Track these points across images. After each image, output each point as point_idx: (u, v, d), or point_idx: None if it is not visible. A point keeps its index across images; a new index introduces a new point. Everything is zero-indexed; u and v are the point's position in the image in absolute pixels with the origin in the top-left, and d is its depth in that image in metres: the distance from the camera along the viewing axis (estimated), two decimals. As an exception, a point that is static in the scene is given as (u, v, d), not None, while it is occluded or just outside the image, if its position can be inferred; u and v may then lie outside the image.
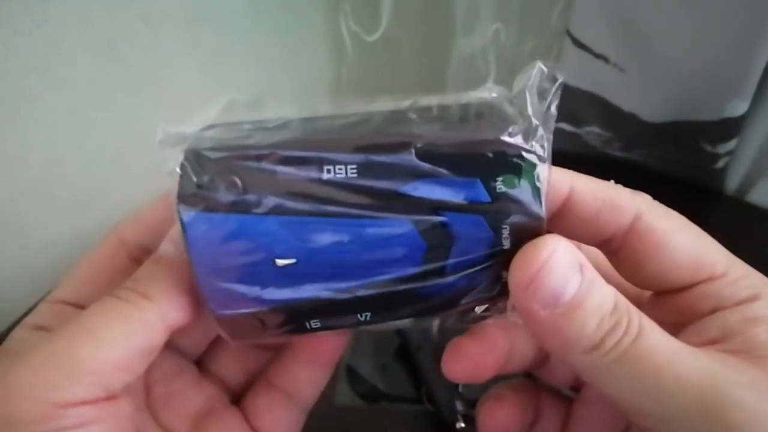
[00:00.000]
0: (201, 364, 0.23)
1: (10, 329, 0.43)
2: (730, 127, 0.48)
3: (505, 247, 0.17)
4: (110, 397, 0.17)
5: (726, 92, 0.46)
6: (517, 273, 0.17)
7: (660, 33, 0.47)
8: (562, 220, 0.19)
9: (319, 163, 0.17)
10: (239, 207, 0.17)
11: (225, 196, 0.17)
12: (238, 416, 0.22)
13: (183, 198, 0.17)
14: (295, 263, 0.17)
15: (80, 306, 0.19)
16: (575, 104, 0.54)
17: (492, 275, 0.18)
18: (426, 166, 0.17)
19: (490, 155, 0.17)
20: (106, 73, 0.46)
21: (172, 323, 0.18)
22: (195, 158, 0.17)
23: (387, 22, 0.55)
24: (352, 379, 0.38)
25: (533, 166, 0.17)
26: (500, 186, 0.17)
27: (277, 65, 0.59)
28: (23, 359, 0.16)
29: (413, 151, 0.17)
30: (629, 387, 0.16)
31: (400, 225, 0.17)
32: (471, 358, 0.21)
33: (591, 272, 0.17)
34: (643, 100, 0.51)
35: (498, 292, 0.19)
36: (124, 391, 0.17)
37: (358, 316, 0.18)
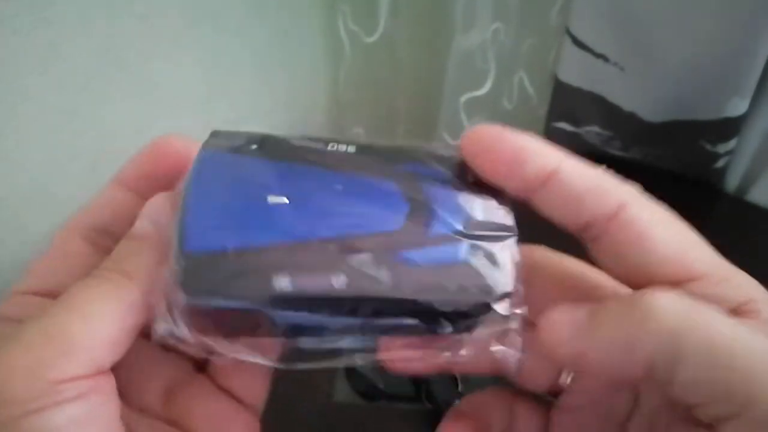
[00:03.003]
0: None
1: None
2: (730, 127, 0.48)
3: (478, 219, 0.19)
4: (101, 372, 0.17)
5: (726, 91, 0.46)
6: (543, 336, 0.18)
7: (660, 32, 0.47)
8: (546, 197, 0.19)
9: (326, 142, 0.20)
10: (251, 152, 0.19)
11: (242, 146, 0.19)
12: (206, 381, 0.22)
13: (205, 144, 0.20)
14: (287, 203, 0.18)
15: (44, 294, 0.19)
16: (575, 103, 0.54)
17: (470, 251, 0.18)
18: (412, 154, 0.20)
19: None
20: (105, 73, 0.46)
21: (153, 301, 0.18)
22: (220, 132, 0.20)
23: (386, 23, 0.55)
24: (351, 377, 0.38)
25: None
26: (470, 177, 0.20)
27: (275, 66, 0.59)
28: (15, 340, 0.16)
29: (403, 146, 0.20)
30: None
31: (389, 186, 0.19)
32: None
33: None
34: (643, 99, 0.51)
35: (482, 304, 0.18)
36: (110, 367, 0.17)
37: (332, 279, 0.17)
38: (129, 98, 0.49)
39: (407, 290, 0.18)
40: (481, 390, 0.23)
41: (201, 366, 0.23)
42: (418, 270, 0.18)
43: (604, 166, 0.19)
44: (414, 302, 0.18)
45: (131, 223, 0.20)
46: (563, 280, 0.21)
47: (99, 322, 0.17)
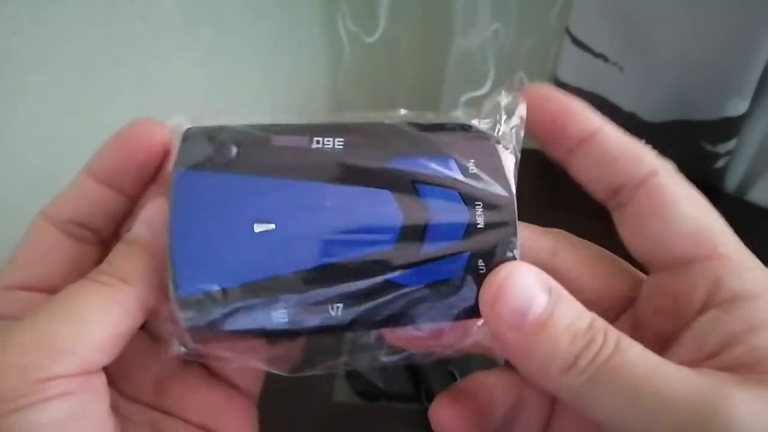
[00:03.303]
0: (148, 329, 0.22)
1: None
2: (730, 127, 0.48)
3: (479, 225, 0.18)
4: (89, 372, 0.17)
5: (726, 91, 0.46)
6: (484, 293, 0.17)
7: (660, 32, 0.47)
8: (583, 156, 0.19)
9: (311, 135, 0.18)
10: (230, 165, 0.17)
11: (220, 155, 0.18)
12: (199, 369, 0.22)
13: (177, 160, 0.18)
14: (274, 229, 0.17)
15: (30, 289, 0.19)
16: (575, 103, 0.54)
17: (467, 267, 0.18)
18: (405, 144, 0.18)
19: (464, 138, 0.19)
20: (105, 73, 0.46)
21: (150, 306, 0.18)
22: (195, 130, 0.18)
23: (385, 23, 0.55)
24: (351, 377, 0.38)
25: (498, 150, 0.19)
26: (472, 167, 0.18)
27: (275, 65, 0.59)
28: (6, 340, 0.16)
29: (383, 131, 0.18)
30: (608, 405, 0.16)
31: (380, 195, 0.18)
32: (452, 420, 0.20)
33: (560, 292, 0.17)
34: (643, 99, 0.51)
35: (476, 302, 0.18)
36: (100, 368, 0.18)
37: (329, 308, 0.17)
38: (129, 97, 0.49)
39: (399, 314, 0.18)
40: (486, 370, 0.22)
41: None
42: (411, 292, 0.18)
43: (643, 140, 0.19)
44: (407, 322, 0.18)
45: (111, 219, 0.20)
46: (582, 262, 0.21)
47: (92, 327, 0.17)
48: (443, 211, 0.18)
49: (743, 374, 0.15)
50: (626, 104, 0.52)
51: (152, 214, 0.19)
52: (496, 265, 0.18)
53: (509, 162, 0.19)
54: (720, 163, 0.51)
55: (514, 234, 0.18)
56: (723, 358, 0.16)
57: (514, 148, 0.19)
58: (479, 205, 0.18)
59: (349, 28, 0.56)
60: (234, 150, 0.18)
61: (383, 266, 0.17)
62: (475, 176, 0.18)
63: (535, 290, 0.16)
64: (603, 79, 0.51)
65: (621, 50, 0.49)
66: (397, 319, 0.18)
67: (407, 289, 0.18)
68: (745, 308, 0.17)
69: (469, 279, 0.18)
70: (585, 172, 0.20)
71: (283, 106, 0.60)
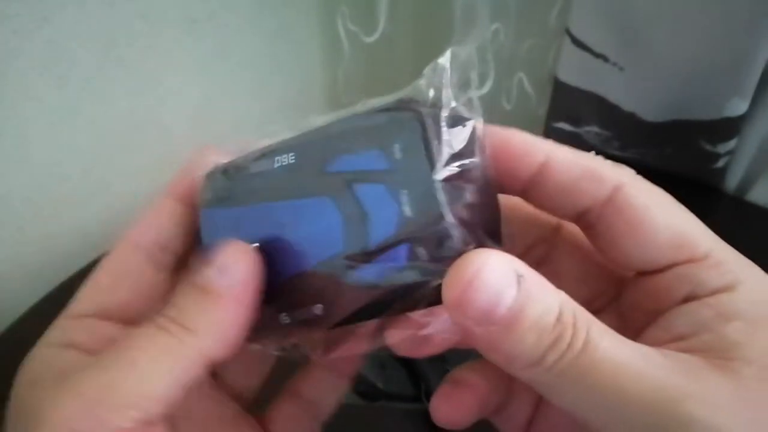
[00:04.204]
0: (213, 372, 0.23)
1: (10, 327, 0.43)
2: (730, 127, 0.48)
3: (407, 215, 0.17)
4: (151, 423, 0.17)
5: (726, 91, 0.46)
6: (447, 291, 0.16)
7: (660, 32, 0.47)
8: (539, 189, 0.18)
9: (274, 154, 0.19)
10: (227, 201, 0.20)
11: (221, 192, 0.20)
12: (255, 425, 0.22)
13: (200, 201, 0.20)
14: (258, 248, 0.19)
15: (105, 317, 0.19)
16: (574, 103, 0.54)
17: (411, 257, 0.17)
18: (342, 143, 0.18)
19: (392, 120, 0.18)
20: (104, 73, 0.46)
21: (215, 358, 0.17)
22: (214, 168, 0.20)
23: (385, 23, 0.55)
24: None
25: (422, 126, 0.17)
26: (398, 152, 0.17)
27: (275, 65, 0.59)
28: (70, 391, 0.16)
29: (332, 129, 0.19)
30: (575, 402, 0.16)
31: (322, 204, 0.18)
32: (454, 406, 0.20)
33: (531, 281, 0.16)
34: (643, 99, 0.51)
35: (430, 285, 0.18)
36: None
37: (313, 308, 0.19)
38: (129, 97, 0.49)
39: (366, 310, 0.18)
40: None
41: (250, 406, 0.23)
42: (364, 288, 0.18)
43: (593, 153, 0.18)
44: (375, 316, 0.19)
45: (188, 239, 0.21)
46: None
47: (154, 379, 0.16)
48: (377, 207, 0.17)
49: (708, 358, 0.15)
50: (626, 104, 0.52)
51: (229, 259, 0.18)
52: (438, 249, 0.17)
53: (445, 131, 0.17)
54: (720, 163, 0.51)
55: (441, 217, 0.16)
56: (690, 342, 0.16)
57: (463, 108, 0.18)
58: (405, 192, 0.17)
59: (348, 27, 0.56)
60: (228, 184, 0.20)
61: (338, 268, 0.18)
62: (399, 162, 0.17)
63: (503, 284, 0.15)
64: (603, 79, 0.51)
65: (621, 50, 0.49)
66: (366, 314, 0.18)
67: (362, 284, 0.18)
68: (720, 299, 0.16)
69: (417, 268, 0.17)
70: (545, 203, 0.19)
71: (283, 105, 0.60)
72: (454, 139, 0.17)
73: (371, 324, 0.20)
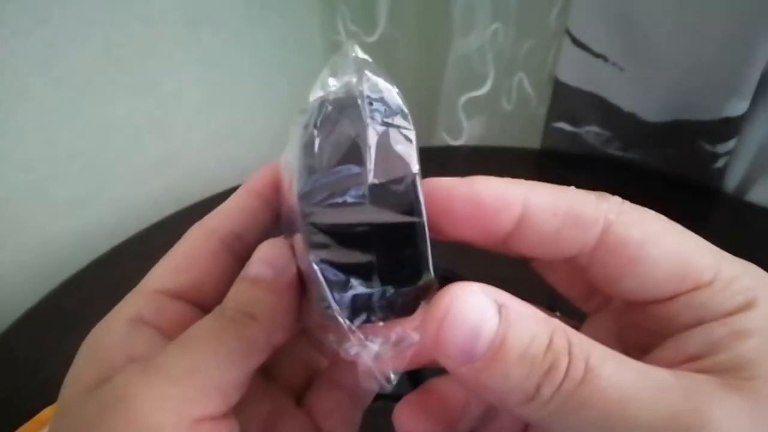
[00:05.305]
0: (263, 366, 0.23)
1: (10, 327, 0.43)
2: (730, 127, 0.48)
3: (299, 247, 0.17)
4: (228, 413, 0.17)
5: (725, 92, 0.46)
6: (424, 332, 0.15)
7: (659, 32, 0.47)
8: (520, 242, 0.17)
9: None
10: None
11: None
12: (305, 417, 0.22)
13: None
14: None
15: (178, 296, 0.19)
16: (574, 104, 0.54)
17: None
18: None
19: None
20: (104, 74, 0.46)
21: (276, 343, 0.18)
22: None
23: (385, 23, 0.55)
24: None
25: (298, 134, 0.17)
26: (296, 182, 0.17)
27: (275, 66, 0.59)
28: (159, 371, 0.16)
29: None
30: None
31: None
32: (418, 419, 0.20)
33: (513, 310, 0.14)
34: (643, 99, 0.51)
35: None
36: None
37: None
38: (129, 98, 0.49)
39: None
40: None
41: (298, 398, 0.23)
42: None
43: (572, 187, 0.17)
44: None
45: (261, 233, 0.21)
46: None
47: (232, 364, 0.17)
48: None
49: (724, 378, 0.14)
50: (626, 104, 0.52)
51: (269, 254, 0.19)
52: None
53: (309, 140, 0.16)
54: (720, 163, 0.51)
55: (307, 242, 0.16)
56: (704, 362, 0.15)
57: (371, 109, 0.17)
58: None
59: (348, 28, 0.56)
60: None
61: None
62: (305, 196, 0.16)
63: (480, 317, 0.14)
64: (603, 79, 0.51)
65: (621, 50, 0.49)
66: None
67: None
68: (734, 317, 0.16)
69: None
70: (529, 253, 0.17)
71: (283, 106, 0.60)
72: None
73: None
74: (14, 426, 0.35)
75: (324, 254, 0.16)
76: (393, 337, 0.17)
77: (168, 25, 0.48)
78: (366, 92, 0.17)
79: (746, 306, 0.15)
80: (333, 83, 0.19)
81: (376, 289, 0.16)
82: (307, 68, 0.63)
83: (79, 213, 0.50)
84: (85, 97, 0.45)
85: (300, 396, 0.23)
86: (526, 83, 0.58)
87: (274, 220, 0.22)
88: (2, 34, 0.39)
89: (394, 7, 0.55)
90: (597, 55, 0.50)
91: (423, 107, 0.63)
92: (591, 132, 0.56)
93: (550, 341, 0.14)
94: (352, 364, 0.20)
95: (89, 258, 0.47)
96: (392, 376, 0.19)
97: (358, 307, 0.16)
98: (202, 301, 0.20)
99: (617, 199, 0.17)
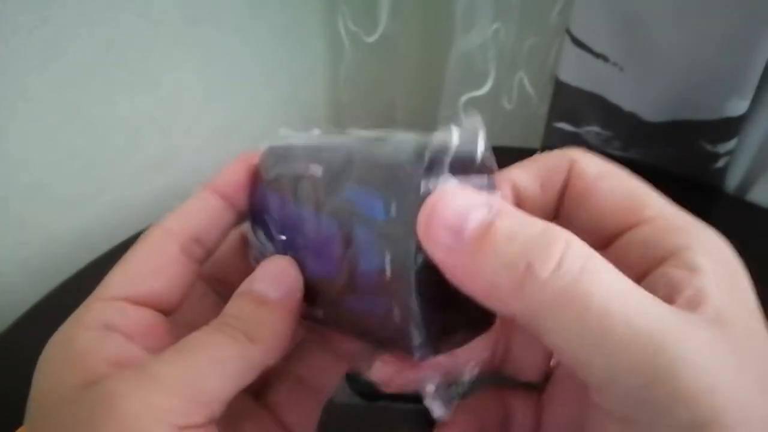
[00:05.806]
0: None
1: (10, 327, 0.43)
2: (730, 127, 0.48)
3: (387, 276, 0.17)
4: (212, 422, 0.17)
5: (726, 91, 0.46)
6: (419, 219, 0.15)
7: (660, 32, 0.47)
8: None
9: (308, 161, 0.20)
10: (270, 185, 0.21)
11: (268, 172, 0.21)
12: (266, 414, 0.22)
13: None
14: (284, 240, 0.21)
15: (137, 302, 0.19)
16: (575, 103, 0.54)
17: (388, 310, 0.18)
18: (360, 170, 0.18)
19: (396, 170, 0.17)
20: (105, 72, 0.46)
21: (272, 364, 0.18)
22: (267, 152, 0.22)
23: (386, 23, 0.55)
24: (350, 378, 0.38)
25: (418, 196, 0.16)
26: (393, 209, 0.17)
27: (276, 65, 0.59)
28: (154, 380, 0.16)
29: (357, 153, 0.19)
30: (574, 332, 0.14)
31: (331, 225, 0.19)
32: None
33: (503, 205, 0.15)
34: (643, 99, 0.51)
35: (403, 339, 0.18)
36: None
37: (317, 310, 0.20)
38: (129, 97, 0.49)
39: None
40: (477, 386, 0.22)
41: (258, 397, 0.23)
42: (355, 314, 0.19)
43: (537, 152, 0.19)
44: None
45: (221, 236, 0.21)
46: None
47: (223, 381, 0.17)
48: (365, 254, 0.18)
49: (696, 314, 0.15)
50: (626, 104, 0.52)
51: (275, 272, 0.19)
52: (407, 317, 0.17)
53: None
54: (720, 163, 0.51)
55: (410, 291, 0.16)
56: (675, 301, 0.15)
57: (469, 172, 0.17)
58: (388, 255, 0.17)
59: (349, 27, 0.56)
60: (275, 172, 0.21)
61: (332, 288, 0.19)
62: (392, 220, 0.17)
63: (471, 204, 0.14)
64: (603, 79, 0.51)
65: (621, 50, 0.49)
66: (357, 334, 0.20)
67: (349, 310, 0.19)
68: (682, 254, 0.16)
69: (392, 320, 0.17)
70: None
71: (284, 105, 0.60)
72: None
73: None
74: (14, 426, 0.35)
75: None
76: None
77: (168, 24, 0.48)
78: None
79: (688, 244, 0.16)
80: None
81: None
82: (308, 68, 0.63)
83: (80, 212, 0.50)
84: (85, 95, 0.45)
85: (257, 393, 0.23)
86: (526, 83, 0.58)
87: (238, 221, 0.22)
88: (2, 33, 0.39)
89: (394, 6, 0.55)
90: (597, 55, 0.50)
91: (423, 107, 0.63)
92: (591, 132, 0.56)
93: (546, 227, 0.14)
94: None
95: (90, 257, 0.47)
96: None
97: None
98: (161, 307, 0.20)
99: (582, 150, 0.19)
